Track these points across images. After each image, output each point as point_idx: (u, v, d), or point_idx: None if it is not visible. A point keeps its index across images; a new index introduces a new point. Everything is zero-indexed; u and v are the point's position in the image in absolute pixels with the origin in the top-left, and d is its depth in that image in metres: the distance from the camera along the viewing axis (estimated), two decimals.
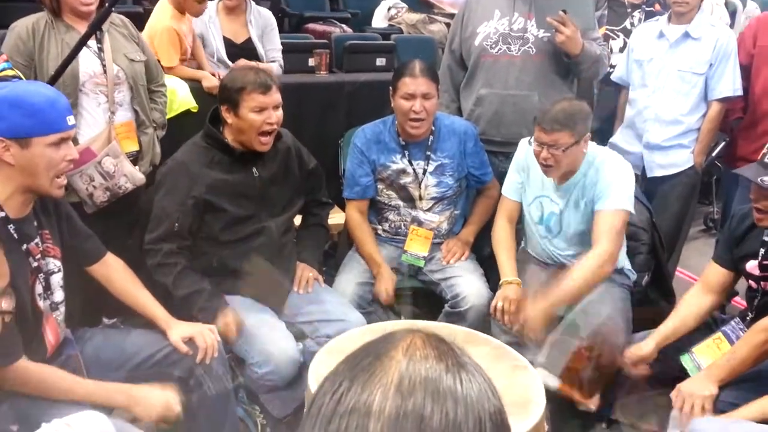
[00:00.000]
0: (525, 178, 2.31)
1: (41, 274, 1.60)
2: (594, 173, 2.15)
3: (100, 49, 2.18)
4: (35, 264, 1.59)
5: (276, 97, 2.01)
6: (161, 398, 1.62)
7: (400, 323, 2.21)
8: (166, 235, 2.00)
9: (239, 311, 2.01)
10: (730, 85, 2.77)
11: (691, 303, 2.00)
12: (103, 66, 2.18)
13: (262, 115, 1.98)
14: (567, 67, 2.57)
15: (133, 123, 2.30)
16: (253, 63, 2.82)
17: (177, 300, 1.98)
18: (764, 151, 1.79)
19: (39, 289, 1.60)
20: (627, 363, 1.92)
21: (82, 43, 1.89)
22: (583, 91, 2.74)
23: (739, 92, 2.80)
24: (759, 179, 1.74)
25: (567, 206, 2.21)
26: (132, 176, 2.24)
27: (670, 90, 2.80)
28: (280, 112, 2.03)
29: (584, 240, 2.22)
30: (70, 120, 1.57)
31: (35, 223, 1.61)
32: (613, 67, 3.21)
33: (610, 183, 2.11)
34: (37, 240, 1.61)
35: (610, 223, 2.08)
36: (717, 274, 2.00)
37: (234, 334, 1.95)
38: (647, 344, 1.93)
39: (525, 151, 2.30)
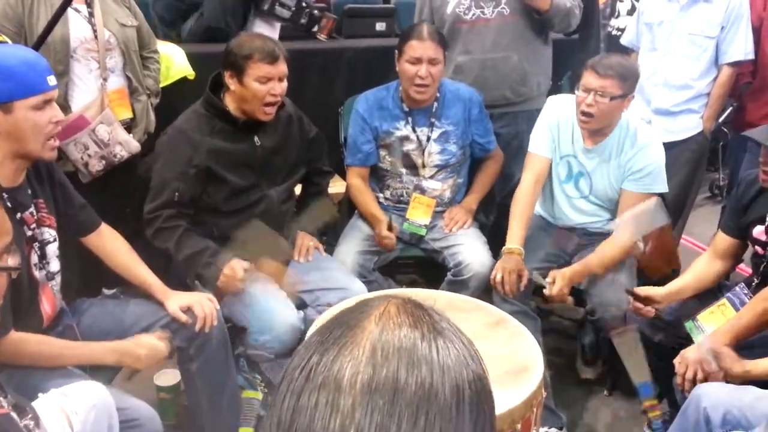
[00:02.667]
0: (556, 135, 2.25)
1: (36, 244, 1.59)
2: (630, 144, 2.14)
3: (91, 14, 2.13)
4: (30, 233, 1.57)
5: (282, 68, 1.96)
6: (145, 342, 1.65)
7: (400, 291, 2.20)
8: (167, 204, 1.97)
9: None
10: (741, 48, 2.69)
11: (701, 266, 2.03)
12: (94, 31, 2.13)
13: (266, 85, 1.94)
14: (540, 23, 2.54)
15: (126, 90, 2.26)
16: None
17: (180, 262, 1.96)
18: None
19: (34, 258, 1.59)
20: (634, 302, 1.97)
21: (66, 3, 1.84)
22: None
23: (751, 56, 2.72)
24: None
25: (597, 168, 2.19)
26: (127, 144, 2.22)
27: (680, 54, 2.72)
28: (284, 84, 1.99)
29: (609, 205, 2.23)
30: (51, 80, 1.53)
31: (29, 192, 1.59)
32: (621, 30, 3.12)
33: (649, 165, 2.13)
34: (32, 209, 1.59)
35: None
36: (724, 242, 2.00)
37: (240, 279, 1.92)
38: (659, 290, 1.97)
39: (553, 108, 2.26)
